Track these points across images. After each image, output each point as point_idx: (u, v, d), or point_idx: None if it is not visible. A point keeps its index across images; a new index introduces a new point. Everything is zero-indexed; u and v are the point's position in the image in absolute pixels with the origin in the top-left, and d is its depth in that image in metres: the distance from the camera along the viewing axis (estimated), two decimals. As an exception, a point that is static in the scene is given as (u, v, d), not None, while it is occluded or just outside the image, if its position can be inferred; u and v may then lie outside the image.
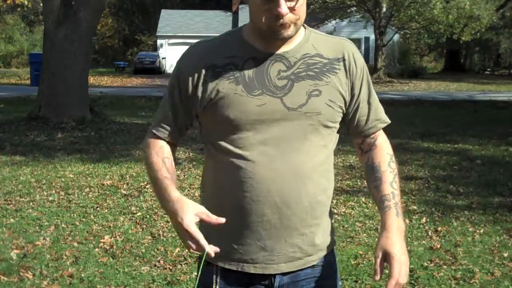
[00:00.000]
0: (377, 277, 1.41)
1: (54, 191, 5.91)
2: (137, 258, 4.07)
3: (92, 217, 5.05)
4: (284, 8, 1.36)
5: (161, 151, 1.53)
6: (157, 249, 4.24)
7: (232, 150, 1.46)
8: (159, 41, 37.52)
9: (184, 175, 6.67)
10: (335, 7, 27.95)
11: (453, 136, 9.95)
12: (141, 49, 41.72)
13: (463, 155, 8.09)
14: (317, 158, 1.49)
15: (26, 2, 19.14)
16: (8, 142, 8.84)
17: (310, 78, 1.47)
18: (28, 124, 10.59)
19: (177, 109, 1.53)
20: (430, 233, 4.61)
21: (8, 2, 19.17)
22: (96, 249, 4.23)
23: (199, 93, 1.48)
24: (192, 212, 1.40)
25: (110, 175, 6.69)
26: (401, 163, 7.06)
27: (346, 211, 5.22)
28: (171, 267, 3.90)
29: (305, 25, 1.52)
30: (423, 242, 4.38)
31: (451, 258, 4.05)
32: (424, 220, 4.97)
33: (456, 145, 8.98)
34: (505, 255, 4.10)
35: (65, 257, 4.06)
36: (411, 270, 3.76)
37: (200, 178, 1.69)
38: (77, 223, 4.86)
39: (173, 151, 1.59)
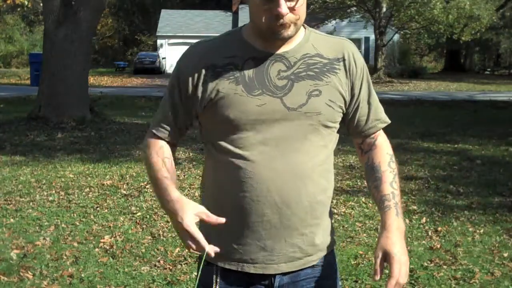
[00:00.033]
0: (377, 277, 1.41)
1: (54, 191, 5.91)
2: (137, 258, 4.07)
3: (92, 217, 5.05)
4: (284, 8, 1.36)
5: (161, 151, 1.53)
6: (157, 249, 4.24)
7: (232, 150, 1.46)
8: (159, 41, 37.53)
9: (184, 175, 6.67)
10: (335, 7, 27.95)
11: (453, 136, 9.95)
12: (141, 49, 41.72)
13: (463, 155, 8.09)
14: (317, 158, 1.49)
15: (26, 2, 19.13)
16: (8, 142, 8.84)
17: (310, 78, 1.47)
18: (28, 124, 10.59)
19: (177, 109, 1.53)
20: (430, 233, 4.61)
21: (8, 2, 19.17)
22: (96, 249, 4.23)
23: (199, 93, 1.48)
24: (192, 212, 1.40)
25: (110, 175, 6.69)
26: (401, 163, 7.06)
27: (346, 211, 5.22)
28: (171, 267, 3.90)
29: (305, 25, 1.52)
30: (423, 242, 4.38)
31: (451, 258, 4.05)
32: (424, 220, 4.97)
33: (456, 145, 8.98)
34: (505, 255, 4.10)
35: (65, 257, 4.06)
36: (411, 270, 3.76)
37: (200, 178, 1.69)
38: (77, 223, 4.86)
39: (173, 151, 1.58)
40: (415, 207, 5.34)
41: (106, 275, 3.76)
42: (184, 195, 5.23)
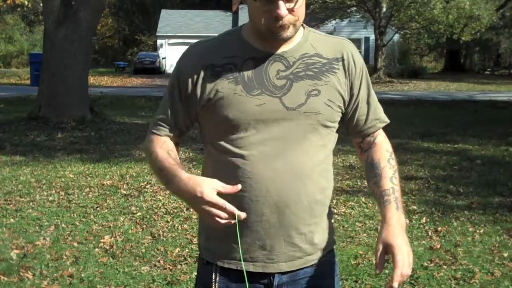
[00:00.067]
0: (378, 271, 1.39)
1: (54, 191, 5.91)
2: (137, 258, 4.07)
3: (92, 217, 5.05)
4: (283, 10, 1.37)
5: (165, 145, 1.53)
6: (157, 249, 4.24)
7: (231, 149, 1.46)
8: (159, 41, 37.53)
9: (184, 175, 6.66)
10: (335, 7, 27.94)
11: (453, 136, 9.95)
12: (141, 49, 41.72)
13: (463, 155, 8.09)
14: (316, 158, 1.49)
15: (26, 2, 19.14)
16: (8, 142, 8.84)
17: (309, 78, 1.47)
18: (28, 124, 10.59)
19: (177, 109, 1.53)
20: (430, 233, 4.61)
21: (8, 2, 19.17)
22: (96, 249, 4.23)
23: (199, 93, 1.48)
24: (208, 185, 1.37)
25: (110, 175, 6.69)
26: (401, 163, 7.06)
27: (346, 211, 5.22)
28: (171, 267, 3.90)
29: (304, 25, 1.52)
30: (423, 242, 4.38)
31: (451, 258, 4.05)
32: (424, 220, 4.97)
33: (456, 145, 8.98)
34: (505, 255, 4.10)
35: (65, 257, 4.06)
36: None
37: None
38: (77, 223, 4.86)
39: (177, 150, 1.57)
40: (415, 207, 5.34)
41: (106, 275, 3.76)
42: (184, 195, 5.08)
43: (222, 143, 1.47)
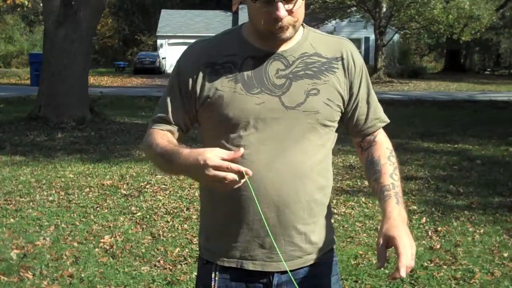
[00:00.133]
0: (380, 265, 1.37)
1: (54, 191, 5.91)
2: (137, 258, 4.07)
3: (92, 217, 5.05)
4: (282, 11, 1.37)
5: (165, 136, 1.50)
6: (157, 249, 4.24)
7: (231, 148, 1.45)
8: (159, 41, 37.53)
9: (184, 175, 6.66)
10: (335, 7, 27.93)
11: (453, 136, 9.95)
12: (141, 49, 41.72)
13: (463, 155, 8.09)
14: (315, 157, 1.49)
15: (26, 2, 19.15)
16: (8, 142, 8.84)
17: (308, 77, 1.47)
18: (28, 124, 10.60)
19: (176, 107, 1.52)
20: (430, 233, 4.61)
21: (8, 2, 19.18)
22: (96, 249, 4.23)
23: (198, 91, 1.48)
24: (210, 152, 1.32)
25: (110, 175, 6.69)
26: (401, 163, 7.05)
27: (346, 211, 5.22)
28: (171, 267, 3.90)
29: (304, 24, 1.52)
30: (423, 242, 4.38)
31: (451, 258, 4.05)
32: (424, 220, 4.97)
33: (456, 145, 8.98)
34: (505, 255, 4.10)
35: (65, 257, 4.06)
36: (411, 270, 3.76)
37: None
38: (77, 223, 4.86)
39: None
40: (415, 207, 5.34)
41: (106, 275, 3.76)
42: (184, 195, 5.22)
43: (221, 142, 1.47)
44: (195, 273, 3.64)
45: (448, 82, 27.84)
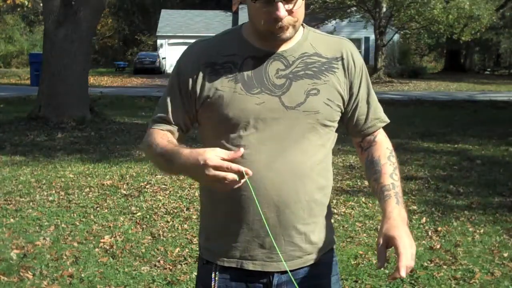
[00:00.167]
0: (380, 265, 1.36)
1: (54, 191, 5.91)
2: (137, 258, 4.07)
3: (92, 217, 5.05)
4: (282, 11, 1.37)
5: (165, 136, 1.50)
6: (157, 249, 4.24)
7: (231, 149, 1.45)
8: (159, 41, 37.54)
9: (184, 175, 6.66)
10: (335, 7, 27.94)
11: (453, 136, 9.95)
12: (141, 49, 41.73)
13: (463, 155, 8.09)
14: (315, 157, 1.49)
15: (26, 2, 19.16)
16: (8, 142, 8.84)
17: (308, 77, 1.47)
18: (28, 124, 10.60)
19: (176, 107, 1.52)
20: (430, 233, 4.61)
21: (8, 2, 19.18)
22: (96, 249, 4.23)
23: (198, 91, 1.48)
24: (211, 152, 1.32)
25: (110, 175, 6.69)
26: (401, 163, 7.05)
27: (346, 211, 5.22)
28: (171, 267, 3.90)
29: (304, 24, 1.52)
30: (423, 242, 4.38)
31: (451, 258, 4.05)
32: (424, 220, 4.97)
33: (456, 145, 8.98)
34: (505, 255, 4.10)
35: (65, 257, 4.06)
36: (411, 270, 3.76)
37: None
38: (77, 223, 4.86)
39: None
40: (415, 207, 5.34)
41: (106, 275, 3.76)
42: (184, 195, 5.21)
43: (221, 142, 1.47)
44: (195, 273, 3.64)
45: (448, 82, 27.84)
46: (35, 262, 3.94)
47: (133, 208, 5.34)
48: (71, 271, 3.79)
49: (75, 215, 5.11)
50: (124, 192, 5.92)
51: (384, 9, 27.10)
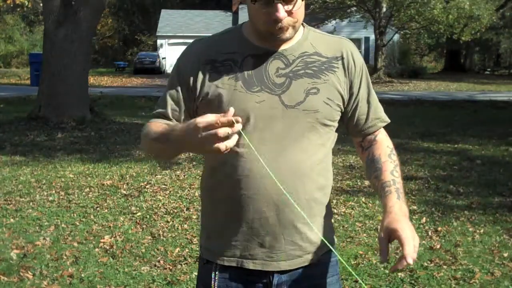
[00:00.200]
0: (383, 259, 1.33)
1: (54, 191, 5.91)
2: (137, 258, 4.07)
3: (92, 217, 5.05)
4: (282, 12, 1.37)
5: (160, 125, 1.48)
6: (157, 249, 4.24)
7: (231, 148, 1.45)
8: (159, 41, 37.54)
9: (184, 175, 6.67)
10: (335, 7, 27.94)
11: (453, 136, 9.95)
12: (141, 49, 41.73)
13: (463, 155, 8.09)
14: (315, 157, 1.49)
15: (26, 2, 19.18)
16: (8, 142, 8.84)
17: (308, 76, 1.48)
18: (28, 124, 10.60)
19: (176, 104, 1.52)
20: (430, 233, 4.61)
21: (8, 2, 19.19)
22: (96, 249, 4.23)
23: (199, 89, 1.48)
24: (200, 117, 1.28)
25: (110, 175, 6.69)
26: (401, 163, 6.96)
27: (346, 211, 5.22)
28: (171, 267, 3.90)
29: (304, 23, 1.52)
30: (423, 242, 4.38)
31: (451, 258, 4.05)
32: (424, 220, 4.97)
33: (456, 145, 8.98)
34: (505, 255, 4.10)
35: (65, 257, 4.06)
36: (410, 270, 3.77)
37: (200, 178, 1.69)
38: (77, 223, 4.86)
39: None
40: (415, 207, 5.34)
41: (106, 275, 3.76)
42: (184, 195, 5.21)
43: None
44: (195, 273, 3.64)
45: (448, 82, 27.84)
46: (35, 262, 3.94)
47: (133, 208, 5.34)
48: (71, 271, 3.79)
49: (75, 215, 5.11)
50: (124, 192, 5.92)
51: (384, 9, 27.10)
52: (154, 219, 5.01)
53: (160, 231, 4.66)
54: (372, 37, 30.17)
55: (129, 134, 9.87)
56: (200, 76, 1.48)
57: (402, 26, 28.92)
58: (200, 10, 39.48)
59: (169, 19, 38.04)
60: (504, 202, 5.57)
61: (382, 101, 1.68)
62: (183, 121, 1.40)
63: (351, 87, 1.53)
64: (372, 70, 26.27)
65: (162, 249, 4.23)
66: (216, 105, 1.46)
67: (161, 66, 34.39)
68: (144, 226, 4.82)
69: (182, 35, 35.70)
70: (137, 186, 6.17)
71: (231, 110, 1.26)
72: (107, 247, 4.27)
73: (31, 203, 5.44)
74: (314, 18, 27.63)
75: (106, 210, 5.26)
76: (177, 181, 6.38)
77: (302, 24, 1.50)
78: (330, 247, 1.52)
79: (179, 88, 1.51)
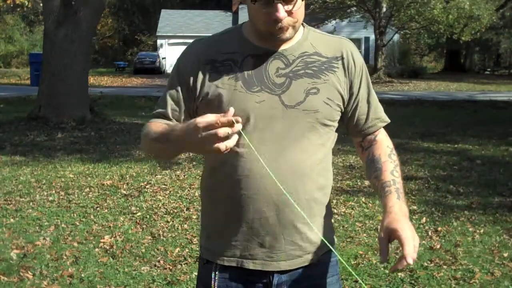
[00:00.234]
0: (383, 259, 1.33)
1: (54, 191, 5.91)
2: (137, 258, 4.07)
3: (92, 217, 5.05)
4: (282, 12, 1.37)
5: (160, 125, 1.48)
6: (157, 249, 4.24)
7: (231, 147, 1.45)
8: (159, 41, 37.54)
9: (184, 175, 6.67)
10: (335, 7, 27.94)
11: (453, 136, 9.95)
12: (141, 49, 41.73)
13: (463, 155, 8.09)
14: (315, 157, 1.49)
15: (26, 2, 19.18)
16: (8, 142, 8.84)
17: (308, 76, 1.48)
18: (28, 124, 10.60)
19: (176, 104, 1.52)
20: (430, 233, 4.61)
21: (8, 2, 19.18)
22: (96, 249, 4.23)
23: (199, 88, 1.48)
24: (200, 117, 1.28)
25: (110, 175, 6.69)
26: (401, 163, 7.01)
27: (346, 211, 5.22)
28: (171, 267, 3.90)
29: (304, 23, 1.52)
30: (423, 242, 4.38)
31: (451, 258, 4.05)
32: (424, 220, 4.97)
33: (456, 145, 8.98)
34: (505, 255, 4.10)
35: (65, 257, 4.06)
36: (410, 270, 3.77)
37: (200, 178, 1.69)
38: (77, 223, 4.86)
39: None
40: (415, 207, 5.34)
41: (106, 275, 3.76)
42: (184, 195, 5.21)
43: None
44: (195, 273, 3.64)
45: (448, 82, 27.83)
46: (35, 262, 3.94)
47: (133, 208, 5.34)
48: (71, 271, 3.79)
49: (75, 215, 5.11)
50: (124, 192, 5.92)
51: (384, 9, 27.10)
52: (154, 219, 5.01)
53: (160, 231, 4.66)
54: (372, 37, 30.17)
55: (129, 134, 9.87)
56: (200, 76, 1.48)
57: (402, 26, 28.92)
58: (200, 10, 39.48)
59: (169, 19, 38.04)
60: (504, 202, 5.57)
61: (382, 101, 1.68)
62: (183, 121, 1.40)
63: (351, 87, 1.53)
64: (372, 70, 26.27)
65: (162, 249, 4.23)
66: (216, 105, 1.46)
67: (161, 66, 34.39)
68: (144, 226, 4.82)
69: (182, 35, 35.69)
70: (137, 186, 6.17)
71: (231, 110, 1.26)
72: (107, 247, 4.27)
73: (31, 203, 5.44)
74: (314, 18, 27.63)
75: (106, 210, 5.26)
76: (177, 181, 6.38)
77: (302, 24, 1.50)
78: (330, 246, 1.52)
79: (179, 88, 1.51)
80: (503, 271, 3.82)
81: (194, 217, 5.03)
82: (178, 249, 4.23)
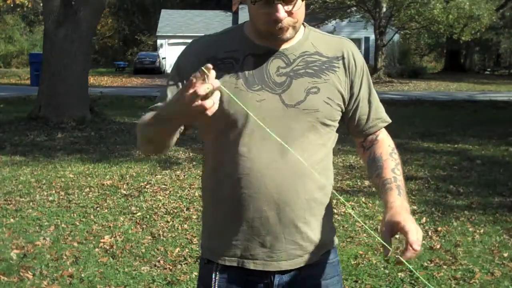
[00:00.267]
0: (386, 252, 1.32)
1: (54, 191, 5.91)
2: (137, 258, 4.07)
3: (92, 217, 5.05)
4: (282, 13, 1.37)
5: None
6: (157, 249, 4.24)
7: (230, 146, 1.45)
8: (159, 41, 37.53)
9: (184, 175, 6.67)
10: (335, 7, 27.94)
11: (453, 136, 9.95)
12: (141, 49, 41.73)
13: (463, 155, 8.09)
14: (315, 157, 1.48)
15: (26, 2, 19.17)
16: (8, 142, 8.84)
17: (308, 75, 1.47)
18: (28, 124, 10.59)
19: None
20: (430, 233, 4.61)
21: (8, 2, 19.18)
22: (96, 249, 4.23)
23: None
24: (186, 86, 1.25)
25: (110, 175, 6.69)
26: (401, 163, 7.05)
27: (346, 211, 5.22)
28: (171, 267, 3.90)
29: (305, 23, 1.52)
30: (423, 242, 4.37)
31: (451, 258, 4.05)
32: (424, 220, 4.97)
33: (456, 145, 8.98)
34: (505, 255, 4.10)
35: (65, 257, 4.06)
36: (410, 270, 3.77)
37: (200, 178, 1.69)
38: (77, 223, 4.86)
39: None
40: (415, 207, 5.34)
41: (106, 275, 3.76)
42: (184, 195, 5.21)
43: (222, 139, 1.47)
44: (195, 273, 3.64)
45: (448, 82, 27.83)
46: (35, 262, 3.94)
47: (133, 208, 5.34)
48: (71, 271, 3.79)
49: (75, 215, 5.11)
50: (124, 192, 5.92)
51: (384, 9, 27.09)
52: (154, 219, 5.01)
53: (160, 231, 4.66)
54: (372, 37, 30.16)
55: (129, 134, 9.87)
56: None
57: (402, 26, 28.92)
58: (200, 10, 39.48)
59: (169, 19, 38.04)
60: (504, 202, 5.57)
61: (382, 101, 1.68)
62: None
63: (351, 87, 1.53)
64: (372, 70, 26.26)
65: (162, 249, 4.23)
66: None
67: (161, 66, 34.39)
68: (144, 226, 4.82)
69: (182, 35, 35.69)
70: (137, 186, 6.17)
71: (208, 65, 1.21)
72: (107, 247, 4.27)
73: (31, 203, 5.44)
74: (314, 18, 27.63)
75: (106, 210, 5.26)
76: (177, 181, 6.38)
77: (303, 24, 1.50)
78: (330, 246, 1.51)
79: (180, 84, 1.51)
80: (503, 271, 3.82)
81: (194, 217, 5.03)
82: (178, 249, 4.23)
